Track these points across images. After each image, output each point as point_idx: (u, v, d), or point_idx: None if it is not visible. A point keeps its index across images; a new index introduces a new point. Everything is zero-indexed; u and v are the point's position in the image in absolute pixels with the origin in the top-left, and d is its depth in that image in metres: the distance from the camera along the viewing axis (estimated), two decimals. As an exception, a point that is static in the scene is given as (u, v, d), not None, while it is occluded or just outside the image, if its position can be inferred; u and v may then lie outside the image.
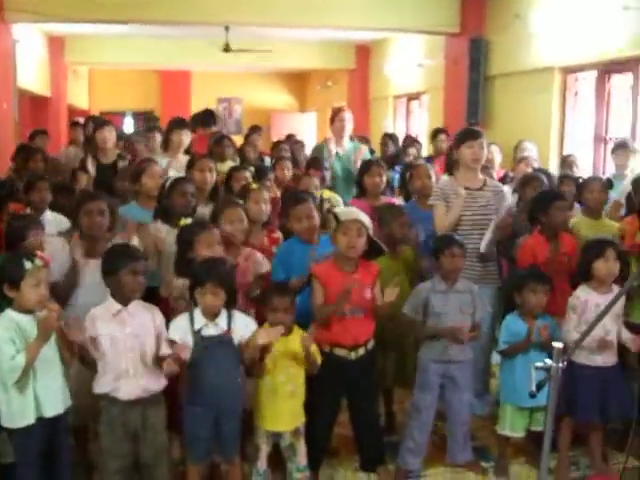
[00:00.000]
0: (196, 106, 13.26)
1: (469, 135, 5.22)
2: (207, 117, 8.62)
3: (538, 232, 4.98)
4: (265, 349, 3.86)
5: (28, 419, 3.56)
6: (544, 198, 5.05)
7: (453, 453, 4.51)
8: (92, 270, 4.20)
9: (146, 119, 10.15)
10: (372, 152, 8.49)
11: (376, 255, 4.27)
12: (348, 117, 7.44)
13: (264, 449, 4.08)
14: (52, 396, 3.64)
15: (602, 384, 4.30)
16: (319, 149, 7.57)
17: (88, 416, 4.08)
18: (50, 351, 3.60)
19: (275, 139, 9.42)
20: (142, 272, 3.84)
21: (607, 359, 4.34)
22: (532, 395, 2.81)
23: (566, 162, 7.70)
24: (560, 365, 2.77)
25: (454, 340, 4.33)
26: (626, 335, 4.37)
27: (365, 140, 9.36)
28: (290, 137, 9.87)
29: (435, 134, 8.91)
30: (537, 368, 2.81)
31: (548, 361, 2.80)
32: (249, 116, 18.54)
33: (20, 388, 3.52)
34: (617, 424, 4.70)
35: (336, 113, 7.54)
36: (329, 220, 4.80)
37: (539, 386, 2.80)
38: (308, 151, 8.79)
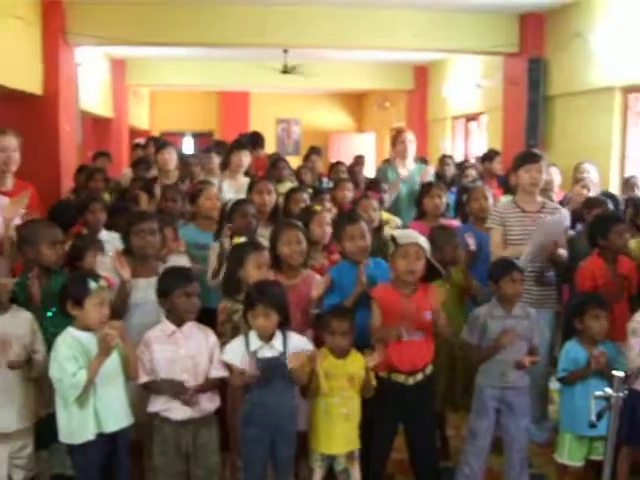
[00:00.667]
0: (255, 127, 13.36)
1: (528, 158, 5.17)
2: (255, 140, 8.63)
3: (597, 255, 4.90)
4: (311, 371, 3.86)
5: (87, 435, 3.61)
6: (603, 221, 4.97)
7: (510, 480, 4.43)
8: (143, 290, 4.25)
9: (214, 143, 10.21)
10: (436, 173, 8.43)
11: (434, 278, 4.22)
12: (410, 138, 7.41)
13: (318, 472, 4.05)
14: (113, 412, 3.69)
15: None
16: (382, 171, 7.56)
17: (146, 433, 4.08)
18: (112, 367, 3.66)
19: (333, 160, 9.36)
20: (195, 294, 3.88)
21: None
22: (592, 425, 2.76)
23: (628, 184, 7.58)
24: (620, 394, 2.71)
25: (515, 366, 4.26)
26: None
27: (424, 161, 9.31)
28: (359, 158, 9.79)
29: (490, 156, 8.80)
30: (597, 397, 2.75)
31: (608, 390, 2.74)
32: (307, 137, 18.71)
33: (80, 404, 3.58)
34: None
35: (398, 134, 7.51)
36: (388, 244, 4.75)
37: (599, 416, 2.75)
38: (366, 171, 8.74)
